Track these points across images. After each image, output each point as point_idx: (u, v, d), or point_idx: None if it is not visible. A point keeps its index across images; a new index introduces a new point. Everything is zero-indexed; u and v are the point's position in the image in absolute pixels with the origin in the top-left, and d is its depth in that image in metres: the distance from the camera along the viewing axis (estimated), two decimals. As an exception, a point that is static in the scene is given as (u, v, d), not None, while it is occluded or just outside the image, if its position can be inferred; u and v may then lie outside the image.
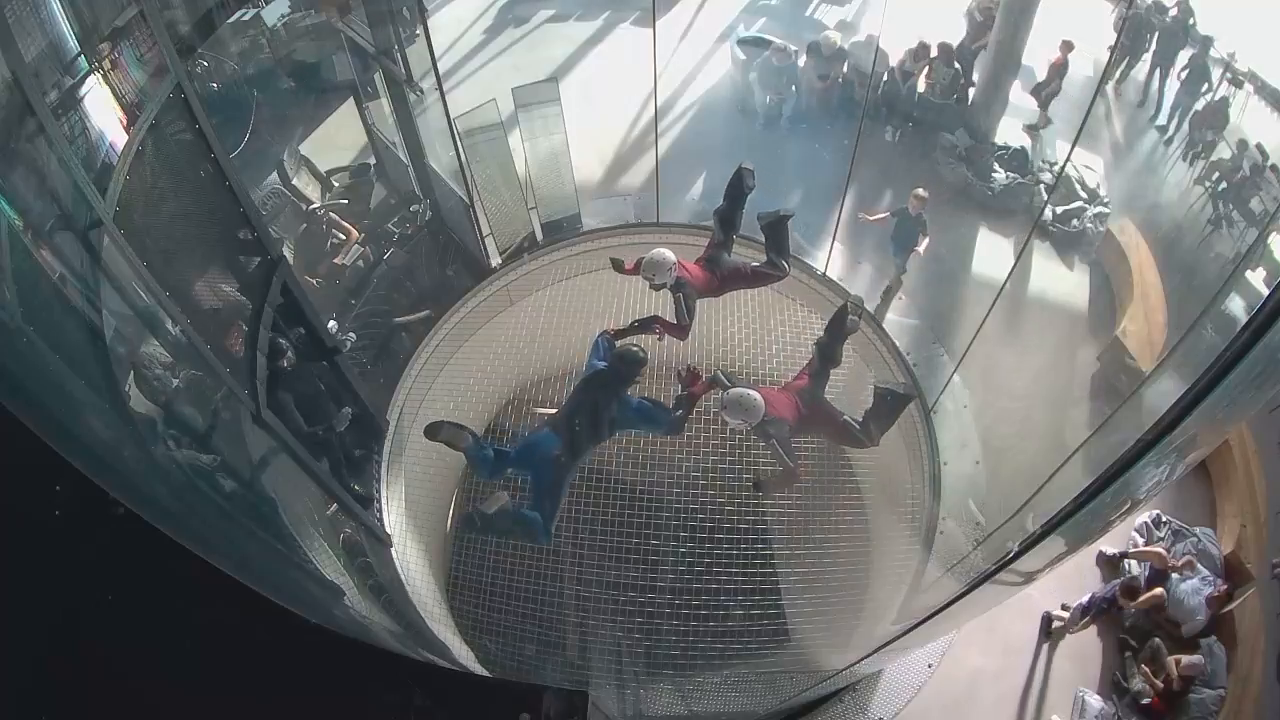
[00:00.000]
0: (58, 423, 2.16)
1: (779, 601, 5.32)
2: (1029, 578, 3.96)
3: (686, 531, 5.29)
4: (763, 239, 5.12)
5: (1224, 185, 6.43)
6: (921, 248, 6.36)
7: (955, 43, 8.02)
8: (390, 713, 1.72)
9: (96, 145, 3.46)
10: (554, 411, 4.47)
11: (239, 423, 4.24)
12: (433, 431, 4.15)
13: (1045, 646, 5.64)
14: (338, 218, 6.74)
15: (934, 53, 7.89)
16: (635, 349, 4.34)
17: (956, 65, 7.81)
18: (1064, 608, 5.66)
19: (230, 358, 4.16)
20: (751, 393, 4.24)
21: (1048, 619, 5.68)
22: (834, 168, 7.11)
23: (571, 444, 4.20)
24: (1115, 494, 2.59)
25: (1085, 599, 5.56)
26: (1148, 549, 5.68)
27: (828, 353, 4.75)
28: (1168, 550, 5.69)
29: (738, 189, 4.99)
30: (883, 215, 6.52)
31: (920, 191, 6.34)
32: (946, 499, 5.58)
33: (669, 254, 4.68)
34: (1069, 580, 5.86)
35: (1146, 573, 5.65)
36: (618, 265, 5.08)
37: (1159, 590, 5.44)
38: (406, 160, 6.89)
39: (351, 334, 6.14)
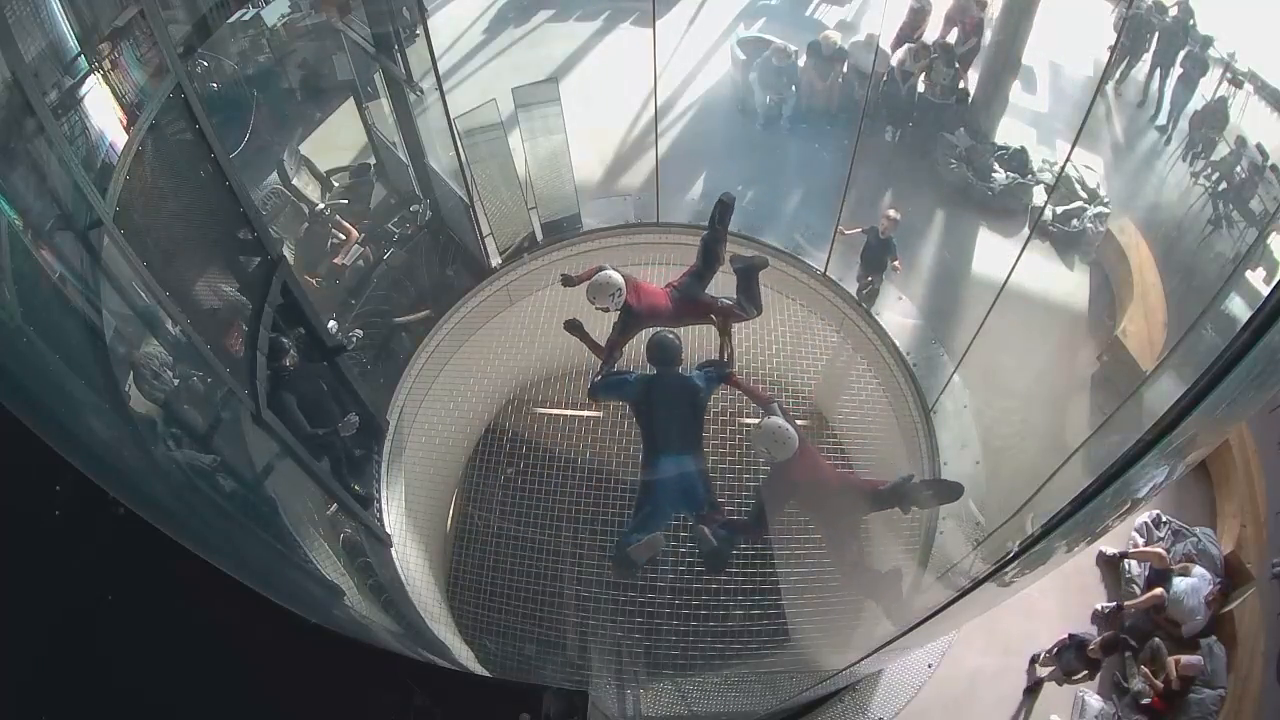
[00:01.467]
0: (58, 423, 2.16)
1: (779, 601, 5.32)
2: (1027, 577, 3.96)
3: (687, 531, 5.29)
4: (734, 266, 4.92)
5: (1224, 185, 6.43)
6: (896, 263, 6.30)
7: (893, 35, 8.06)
8: (390, 713, 1.72)
9: (96, 145, 3.46)
10: (564, 412, 4.51)
11: (239, 423, 4.24)
12: (625, 562, 4.20)
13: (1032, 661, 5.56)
14: (338, 217, 6.74)
15: (934, 52, 7.89)
16: (669, 335, 4.39)
17: (956, 65, 7.81)
18: (1037, 660, 5.56)
19: (230, 358, 4.16)
20: (613, 273, 4.38)
21: (1034, 682, 5.56)
22: (834, 168, 7.12)
23: (691, 448, 4.30)
24: (1115, 494, 2.59)
25: (1055, 648, 5.43)
26: (1148, 549, 5.68)
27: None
28: (1167, 550, 5.69)
29: (720, 219, 4.81)
30: (858, 230, 6.45)
31: (892, 213, 6.25)
32: (947, 499, 5.57)
33: (616, 277, 4.44)
34: (1070, 580, 5.86)
35: (1146, 573, 5.65)
36: (567, 280, 4.71)
37: (1159, 590, 5.44)
38: (406, 160, 6.89)
39: (358, 330, 6.12)
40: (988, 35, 8.11)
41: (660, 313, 4.62)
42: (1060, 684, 5.39)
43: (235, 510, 3.81)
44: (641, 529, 4.17)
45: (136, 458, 2.99)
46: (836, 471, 4.62)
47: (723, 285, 4.92)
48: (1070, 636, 5.35)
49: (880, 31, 8.04)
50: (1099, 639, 5.29)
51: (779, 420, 4.18)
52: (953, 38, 8.03)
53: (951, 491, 4.54)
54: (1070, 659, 5.27)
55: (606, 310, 4.46)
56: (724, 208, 4.78)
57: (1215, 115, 6.69)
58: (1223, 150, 6.50)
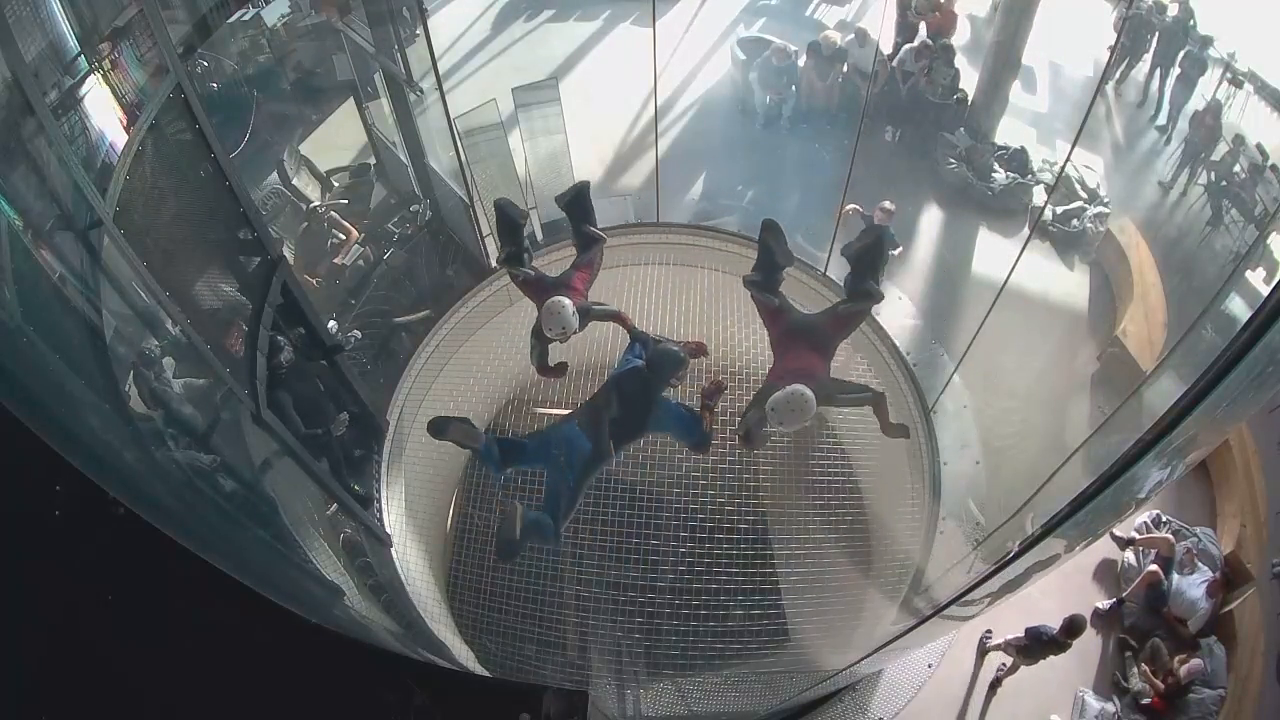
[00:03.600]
0: (58, 423, 2.15)
1: (779, 601, 5.32)
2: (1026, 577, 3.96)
3: (686, 531, 5.30)
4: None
5: (1224, 185, 6.43)
6: (895, 253, 6.29)
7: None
8: (390, 713, 1.72)
9: (96, 145, 3.46)
10: (565, 411, 4.25)
11: (239, 423, 4.24)
12: (438, 429, 3.82)
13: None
14: (338, 217, 6.74)
15: (934, 52, 7.89)
16: (675, 349, 4.01)
17: (957, 66, 7.82)
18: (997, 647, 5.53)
19: (230, 358, 4.16)
20: (796, 390, 3.48)
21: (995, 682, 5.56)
22: (834, 168, 7.11)
23: (600, 444, 3.84)
24: (1115, 494, 2.59)
25: (1022, 635, 5.33)
26: (1156, 536, 5.68)
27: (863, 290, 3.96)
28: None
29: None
30: (856, 210, 6.36)
31: (887, 204, 6.26)
32: (946, 499, 5.57)
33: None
34: (1069, 580, 5.87)
35: (1151, 561, 5.65)
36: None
37: (1153, 568, 5.45)
38: (406, 160, 6.89)
39: (356, 332, 6.12)
40: (987, 35, 8.12)
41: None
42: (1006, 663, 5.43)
43: (235, 510, 3.81)
44: (501, 441, 3.88)
45: (136, 458, 2.99)
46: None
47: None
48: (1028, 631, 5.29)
49: (880, 32, 8.04)
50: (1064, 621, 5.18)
51: (781, 396, 3.51)
52: (923, 31, 8.09)
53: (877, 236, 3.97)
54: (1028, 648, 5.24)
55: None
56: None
57: (1214, 114, 6.69)
58: (1222, 150, 6.49)
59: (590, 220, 4.58)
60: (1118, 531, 5.90)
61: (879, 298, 3.90)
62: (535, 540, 3.87)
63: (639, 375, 4.02)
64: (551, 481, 3.90)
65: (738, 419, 4.05)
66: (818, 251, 6.68)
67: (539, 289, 4.27)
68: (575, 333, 4.12)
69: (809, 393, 3.46)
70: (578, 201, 4.53)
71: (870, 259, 3.90)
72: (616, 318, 4.40)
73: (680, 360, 3.96)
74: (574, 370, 6.05)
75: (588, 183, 4.61)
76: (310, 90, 7.16)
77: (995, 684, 5.54)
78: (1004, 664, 5.49)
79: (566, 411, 4.14)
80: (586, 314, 4.17)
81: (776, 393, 3.49)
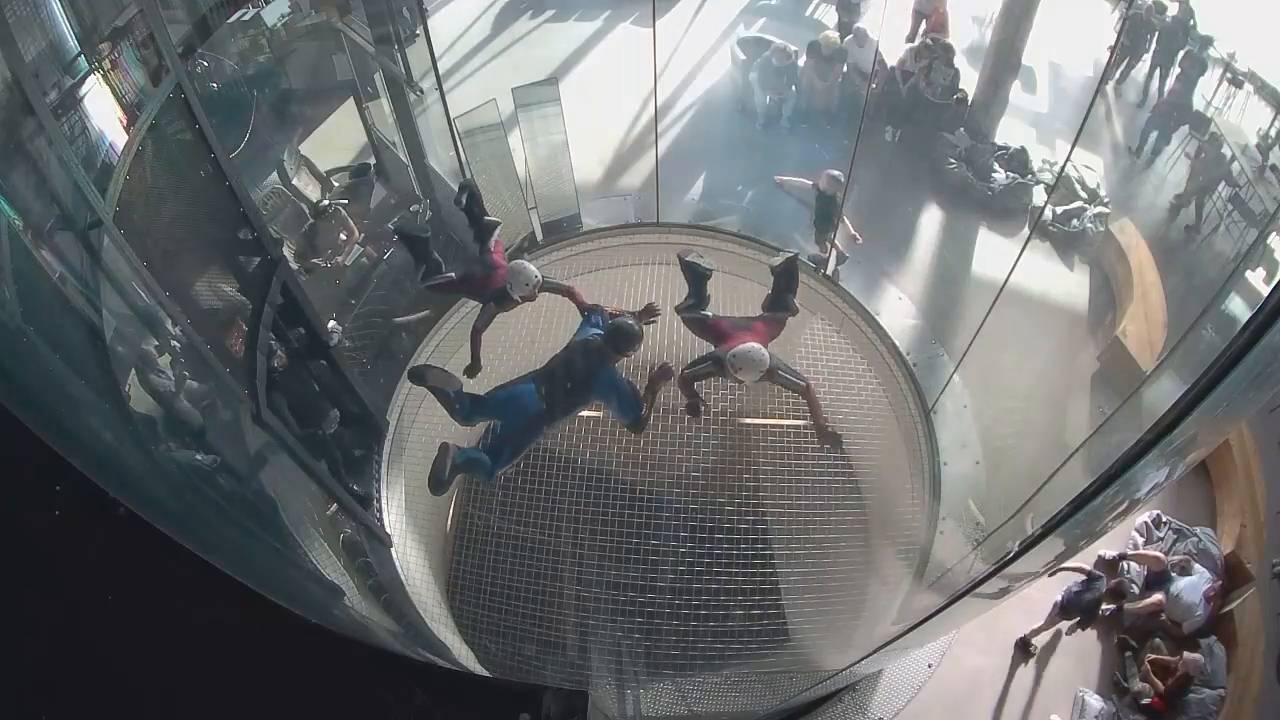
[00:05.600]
0: (58, 423, 2.15)
1: (779, 602, 5.32)
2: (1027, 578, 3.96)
3: (686, 531, 5.30)
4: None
5: (1224, 185, 6.43)
6: (857, 236, 6.47)
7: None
8: (390, 713, 1.71)
9: (96, 145, 3.46)
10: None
11: (239, 423, 4.24)
12: (419, 375, 4.10)
13: (1032, 661, 5.63)
14: (345, 215, 6.74)
15: (934, 52, 7.89)
16: (631, 323, 4.21)
17: (956, 66, 7.82)
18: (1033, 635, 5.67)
19: (230, 358, 4.16)
20: (755, 346, 4.20)
21: (1024, 643, 5.65)
22: (834, 167, 7.10)
23: (549, 405, 4.14)
24: (1115, 494, 2.59)
25: (1060, 597, 5.54)
26: (1145, 553, 5.69)
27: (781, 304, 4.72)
28: (1165, 553, 5.69)
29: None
30: (796, 180, 6.48)
31: (833, 172, 6.31)
32: (946, 499, 5.58)
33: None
34: (1069, 580, 5.86)
35: (1145, 575, 5.65)
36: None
37: (1158, 597, 5.45)
38: (406, 160, 6.89)
39: (333, 323, 6.03)
40: (987, 35, 8.12)
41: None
42: (1049, 627, 5.58)
43: (235, 510, 3.81)
44: (470, 394, 4.17)
45: (136, 458, 2.99)
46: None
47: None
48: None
49: (880, 32, 8.04)
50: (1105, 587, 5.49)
51: (741, 350, 4.18)
52: (922, 30, 8.12)
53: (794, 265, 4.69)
54: (1082, 600, 5.42)
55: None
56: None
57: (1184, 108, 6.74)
58: (1222, 150, 6.49)
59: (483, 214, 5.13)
60: (1108, 553, 5.91)
61: (794, 312, 4.71)
62: (470, 473, 4.11)
63: (594, 345, 4.24)
64: (505, 430, 4.18)
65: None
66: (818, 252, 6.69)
67: (468, 284, 5.00)
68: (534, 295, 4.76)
69: (765, 350, 4.20)
70: (473, 201, 5.12)
71: (787, 279, 4.68)
72: (568, 293, 4.92)
73: (636, 334, 4.19)
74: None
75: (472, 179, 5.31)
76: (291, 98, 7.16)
77: (1024, 644, 5.61)
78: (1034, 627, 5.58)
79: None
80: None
81: (738, 347, 4.19)
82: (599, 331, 4.32)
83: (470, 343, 5.04)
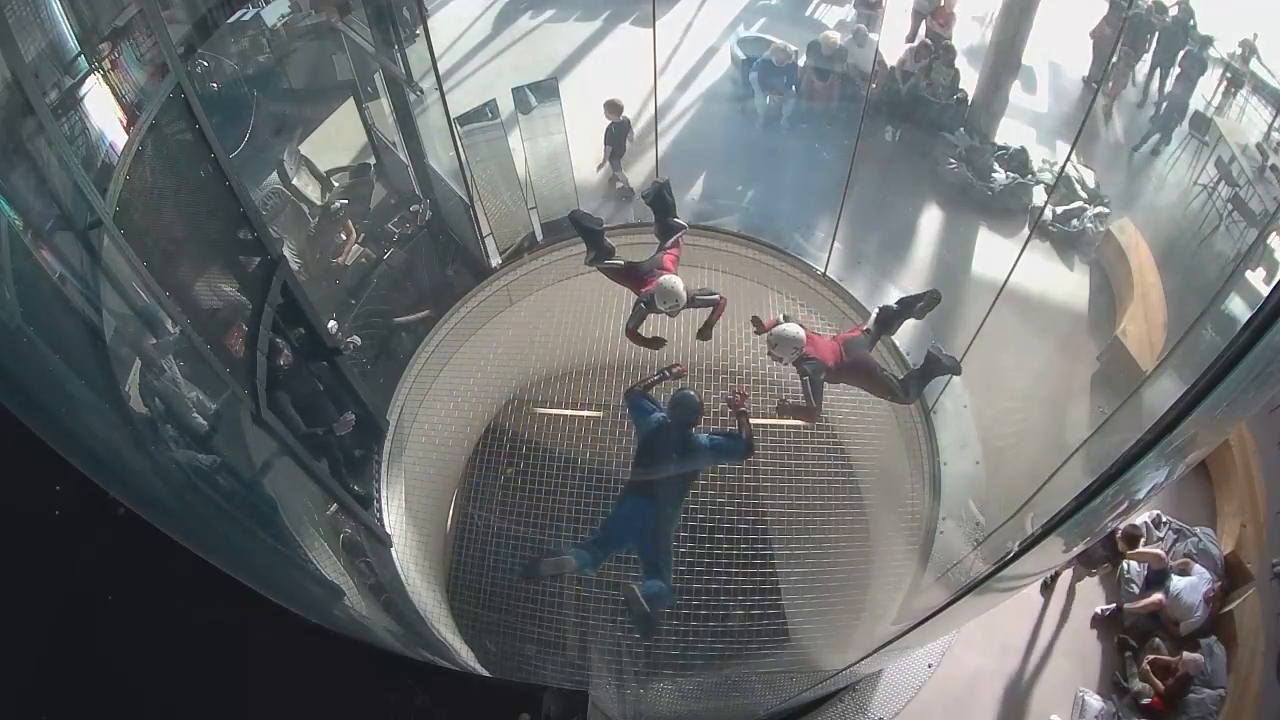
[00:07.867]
0: (58, 423, 2.15)
1: (779, 601, 5.32)
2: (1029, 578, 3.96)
3: (686, 531, 5.29)
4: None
5: (1224, 185, 6.43)
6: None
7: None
8: (390, 713, 1.72)
9: (96, 145, 3.46)
10: (563, 412, 4.48)
11: (239, 423, 4.24)
12: (532, 572, 4.15)
13: (1032, 661, 5.65)
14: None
15: (934, 52, 7.89)
16: (692, 395, 4.40)
17: (956, 66, 7.82)
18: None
19: (230, 358, 4.16)
20: (796, 328, 4.48)
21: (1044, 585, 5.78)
22: (834, 168, 7.11)
23: (662, 501, 4.21)
24: (1115, 494, 2.59)
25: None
26: (1146, 550, 5.68)
27: (887, 320, 4.87)
28: (1167, 552, 5.69)
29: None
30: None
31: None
32: (946, 499, 5.57)
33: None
34: (1067, 579, 5.86)
35: (1145, 573, 5.65)
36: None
37: (1157, 596, 5.45)
38: (406, 160, 6.88)
39: (355, 337, 6.11)
40: (987, 35, 8.12)
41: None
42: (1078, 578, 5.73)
43: (235, 510, 3.81)
44: (583, 546, 4.19)
45: (136, 458, 2.99)
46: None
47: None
48: None
49: (880, 32, 8.05)
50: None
51: (780, 327, 4.48)
52: (922, 30, 8.11)
53: (948, 369, 4.80)
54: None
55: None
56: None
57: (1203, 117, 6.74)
58: (1223, 150, 6.49)
59: (672, 212, 5.23)
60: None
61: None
62: (662, 606, 4.20)
63: (665, 430, 4.33)
64: (642, 551, 4.22)
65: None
66: (818, 251, 6.69)
67: (633, 274, 4.93)
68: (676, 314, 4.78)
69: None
70: (660, 197, 5.19)
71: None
72: (716, 308, 4.88)
73: (698, 406, 4.38)
74: (573, 370, 6.08)
75: (668, 181, 5.29)
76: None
77: (1046, 586, 5.72)
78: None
79: (565, 412, 4.31)
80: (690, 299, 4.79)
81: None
82: (660, 414, 4.41)
83: (633, 341, 4.93)
